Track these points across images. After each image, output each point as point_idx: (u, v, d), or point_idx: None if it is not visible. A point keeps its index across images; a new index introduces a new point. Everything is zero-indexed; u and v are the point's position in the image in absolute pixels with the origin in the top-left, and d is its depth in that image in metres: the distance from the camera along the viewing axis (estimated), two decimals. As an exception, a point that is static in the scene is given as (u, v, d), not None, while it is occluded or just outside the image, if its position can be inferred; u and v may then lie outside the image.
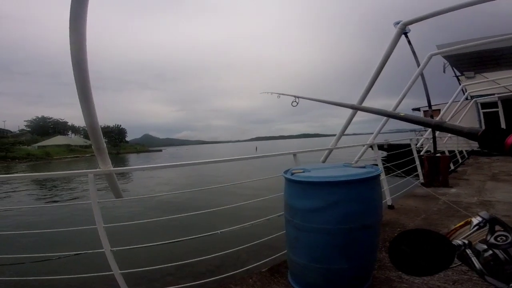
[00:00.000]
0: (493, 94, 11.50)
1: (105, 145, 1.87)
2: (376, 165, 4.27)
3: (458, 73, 13.55)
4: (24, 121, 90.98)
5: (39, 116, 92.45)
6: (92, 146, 1.82)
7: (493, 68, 11.93)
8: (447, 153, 8.07)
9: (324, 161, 4.17)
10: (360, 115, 4.29)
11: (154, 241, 2.20)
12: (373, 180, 1.64)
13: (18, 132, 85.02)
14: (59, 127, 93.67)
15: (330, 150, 3.99)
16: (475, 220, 0.70)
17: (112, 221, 2.16)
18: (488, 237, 0.64)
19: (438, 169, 5.64)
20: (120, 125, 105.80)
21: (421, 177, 5.93)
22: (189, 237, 2.16)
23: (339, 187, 1.55)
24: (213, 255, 2.19)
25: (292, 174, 1.75)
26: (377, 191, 1.71)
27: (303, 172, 1.76)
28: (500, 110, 12.53)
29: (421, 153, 7.83)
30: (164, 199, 8.36)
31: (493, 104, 12.32)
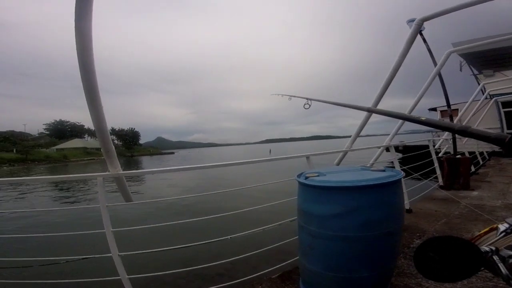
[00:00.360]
0: None
1: (113, 147, 1.85)
2: (393, 167, 4.12)
3: (475, 72, 13.03)
4: (43, 124, 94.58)
5: (57, 119, 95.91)
6: (101, 149, 1.80)
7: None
8: (467, 154, 7.78)
9: (338, 164, 4.05)
10: (374, 115, 4.14)
11: (163, 246, 2.16)
12: (395, 184, 1.52)
13: (37, 135, 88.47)
14: (76, 130, 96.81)
15: (345, 152, 3.86)
16: (502, 227, 0.68)
17: (122, 225, 2.14)
18: None
19: (459, 171, 5.44)
20: (134, 128, 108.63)
21: (440, 179, 5.75)
22: (199, 243, 2.09)
23: (360, 192, 1.45)
24: (223, 261, 2.13)
25: (306, 178, 1.65)
26: (399, 195, 1.59)
27: (318, 176, 1.67)
28: None
29: (440, 155, 7.56)
30: (174, 202, 8.39)
31: None
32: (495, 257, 0.62)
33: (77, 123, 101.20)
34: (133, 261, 2.44)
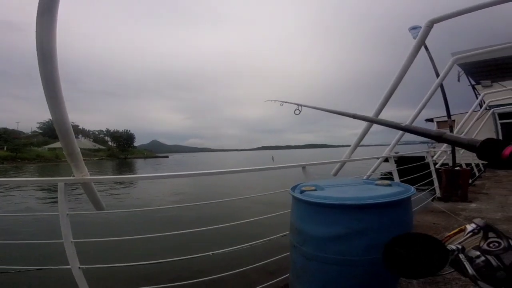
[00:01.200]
0: (511, 104, 10.93)
1: (79, 149, 1.61)
2: (392, 179, 3.94)
3: (473, 82, 13.02)
4: (37, 123, 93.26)
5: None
6: (64, 151, 1.56)
7: (511, 76, 11.40)
8: (464, 166, 7.71)
9: (335, 174, 3.86)
10: (374, 126, 4.00)
11: (136, 260, 1.90)
12: (406, 203, 1.30)
13: (30, 133, 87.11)
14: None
15: (343, 163, 3.68)
16: (469, 227, 0.70)
17: (93, 235, 1.88)
18: (482, 243, 0.64)
19: (458, 183, 5.33)
20: (129, 130, 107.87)
21: (437, 191, 5.65)
22: (176, 258, 1.84)
23: (365, 211, 1.21)
24: (203, 278, 1.88)
25: (302, 192, 1.42)
26: (409, 215, 1.37)
27: (315, 189, 1.43)
28: None
29: (437, 166, 7.48)
30: (157, 212, 7.55)
31: (511, 115, 11.69)
32: (461, 256, 0.64)
33: (72, 123, 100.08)
34: (101, 276, 2.16)
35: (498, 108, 11.19)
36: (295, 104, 2.31)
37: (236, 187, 13.92)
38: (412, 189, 1.37)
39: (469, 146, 0.60)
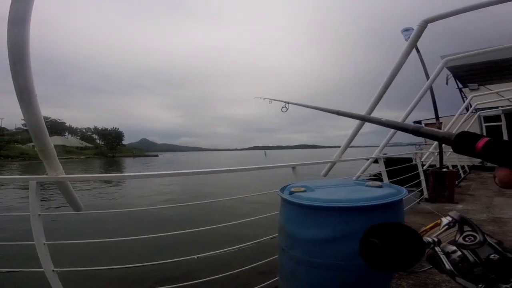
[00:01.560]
0: (497, 107, 11.21)
1: (52, 146, 1.50)
2: (381, 180, 3.95)
3: (460, 85, 13.30)
4: (21, 119, 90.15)
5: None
6: (36, 148, 1.45)
7: (497, 80, 11.68)
8: (450, 168, 7.88)
9: (325, 175, 3.84)
10: (363, 127, 4.01)
11: (119, 263, 1.79)
12: (398, 205, 1.26)
13: (14, 130, 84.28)
14: (57, 128, 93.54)
15: (333, 163, 3.66)
16: (445, 220, 0.69)
17: (71, 236, 1.77)
18: (457, 237, 0.63)
19: (445, 185, 5.43)
20: (118, 128, 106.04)
21: (425, 192, 5.72)
22: (158, 262, 1.74)
23: (356, 214, 1.15)
24: (186, 283, 1.79)
25: (291, 193, 1.35)
26: (402, 217, 1.33)
27: (305, 191, 1.37)
28: (503, 123, 12.11)
29: (424, 168, 7.61)
30: (140, 212, 6.88)
31: (496, 118, 11.95)
32: (438, 249, 0.63)
33: (58, 120, 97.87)
34: (78, 278, 2.05)
35: (484, 111, 11.47)
36: (282, 101, 2.36)
37: (226, 186, 13.76)
38: (404, 191, 1.33)
39: (444, 139, 0.61)
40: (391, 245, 0.59)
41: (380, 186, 1.47)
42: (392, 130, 4.92)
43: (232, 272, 1.90)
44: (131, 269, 1.75)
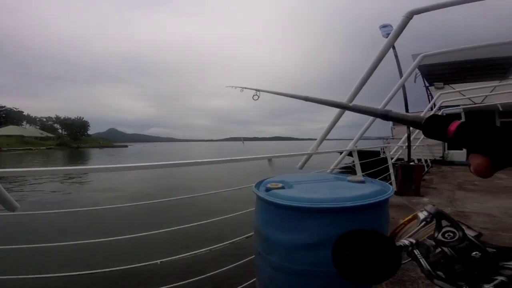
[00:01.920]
0: (459, 106, 11.98)
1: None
2: (354, 172, 3.96)
3: (427, 84, 14.03)
4: None
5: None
6: None
7: (460, 80, 12.47)
8: (416, 161, 8.25)
9: (301, 167, 3.77)
10: (340, 120, 3.97)
11: (69, 270, 1.54)
12: (386, 204, 1.15)
13: None
14: (12, 117, 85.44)
15: (310, 155, 3.60)
16: (422, 215, 0.66)
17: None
18: (436, 234, 0.60)
19: (412, 178, 5.61)
20: (83, 118, 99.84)
21: (393, 185, 5.89)
22: (115, 268, 1.51)
23: (343, 216, 1.02)
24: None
25: (268, 190, 1.19)
26: (388, 216, 1.23)
27: (283, 187, 1.22)
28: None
29: (392, 161, 7.88)
30: (94, 212, 5.96)
31: (457, 116, 12.82)
32: (416, 251, 0.61)
33: (14, 109, 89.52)
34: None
35: (447, 108, 12.21)
36: (253, 89, 2.36)
37: (198, 179, 13.22)
38: (391, 188, 1.23)
39: (414, 123, 0.59)
40: (363, 256, 0.54)
41: (363, 182, 1.37)
42: (366, 124, 5.00)
43: (202, 276, 1.72)
44: (77, 277, 1.49)
